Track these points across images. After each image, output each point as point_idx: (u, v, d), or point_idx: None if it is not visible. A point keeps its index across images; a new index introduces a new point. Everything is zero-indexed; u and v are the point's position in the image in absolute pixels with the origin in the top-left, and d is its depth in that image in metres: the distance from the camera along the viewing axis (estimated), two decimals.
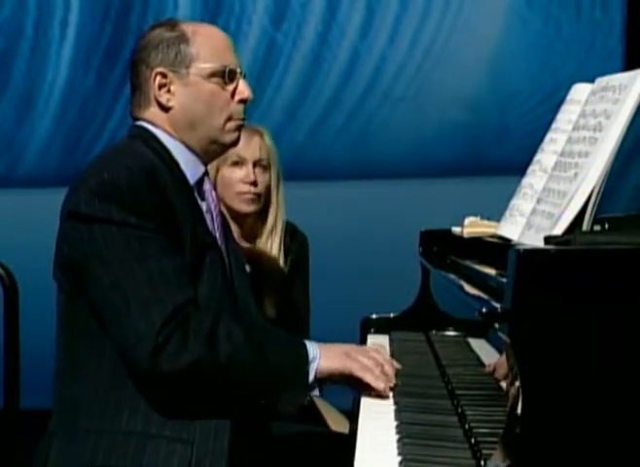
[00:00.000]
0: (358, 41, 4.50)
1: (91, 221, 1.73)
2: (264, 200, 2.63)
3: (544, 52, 4.44)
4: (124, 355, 1.72)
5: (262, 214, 2.65)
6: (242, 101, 1.93)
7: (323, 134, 4.54)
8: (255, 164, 2.59)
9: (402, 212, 4.22)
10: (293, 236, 2.72)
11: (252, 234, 2.67)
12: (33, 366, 3.35)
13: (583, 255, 1.22)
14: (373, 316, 2.48)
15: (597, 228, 1.43)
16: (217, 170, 2.59)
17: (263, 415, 1.98)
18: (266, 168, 2.62)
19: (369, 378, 1.78)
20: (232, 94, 1.92)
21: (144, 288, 1.70)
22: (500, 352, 1.46)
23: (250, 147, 2.58)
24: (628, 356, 1.18)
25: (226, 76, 1.90)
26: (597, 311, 1.19)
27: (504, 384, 1.39)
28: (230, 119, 1.92)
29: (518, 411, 1.17)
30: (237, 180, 2.58)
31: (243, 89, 1.93)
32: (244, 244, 2.67)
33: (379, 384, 1.78)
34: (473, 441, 1.42)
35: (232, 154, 2.55)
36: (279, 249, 2.65)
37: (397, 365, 1.88)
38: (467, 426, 1.49)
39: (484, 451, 1.34)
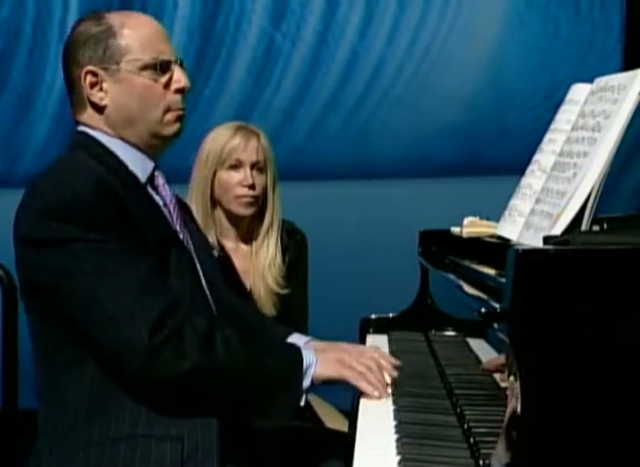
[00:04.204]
0: (357, 41, 4.50)
1: (51, 244, 1.69)
2: (260, 202, 2.64)
3: (543, 52, 4.44)
4: (116, 365, 1.69)
5: (258, 215, 2.66)
6: (179, 91, 1.86)
7: (322, 134, 4.53)
8: (252, 167, 2.60)
9: (401, 212, 4.22)
10: (290, 235, 2.72)
11: (249, 235, 2.69)
12: (32, 366, 3.35)
13: (581, 255, 1.22)
14: (373, 316, 2.48)
15: (596, 228, 1.43)
16: (214, 173, 2.60)
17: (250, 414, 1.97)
18: (262, 170, 2.63)
19: (364, 387, 1.78)
20: (168, 85, 1.85)
21: (124, 297, 1.66)
22: (499, 352, 1.46)
23: (247, 150, 2.59)
24: (627, 356, 1.19)
25: (158, 68, 1.83)
26: (596, 311, 1.19)
27: (503, 383, 1.39)
28: (168, 110, 1.85)
29: (518, 410, 1.18)
30: (235, 183, 2.59)
31: (179, 78, 1.85)
32: (241, 245, 2.68)
33: (374, 392, 1.77)
34: (472, 440, 1.42)
35: (230, 157, 2.57)
36: (276, 248, 2.66)
37: (395, 361, 1.87)
38: (466, 426, 1.49)
39: (483, 451, 1.34)
